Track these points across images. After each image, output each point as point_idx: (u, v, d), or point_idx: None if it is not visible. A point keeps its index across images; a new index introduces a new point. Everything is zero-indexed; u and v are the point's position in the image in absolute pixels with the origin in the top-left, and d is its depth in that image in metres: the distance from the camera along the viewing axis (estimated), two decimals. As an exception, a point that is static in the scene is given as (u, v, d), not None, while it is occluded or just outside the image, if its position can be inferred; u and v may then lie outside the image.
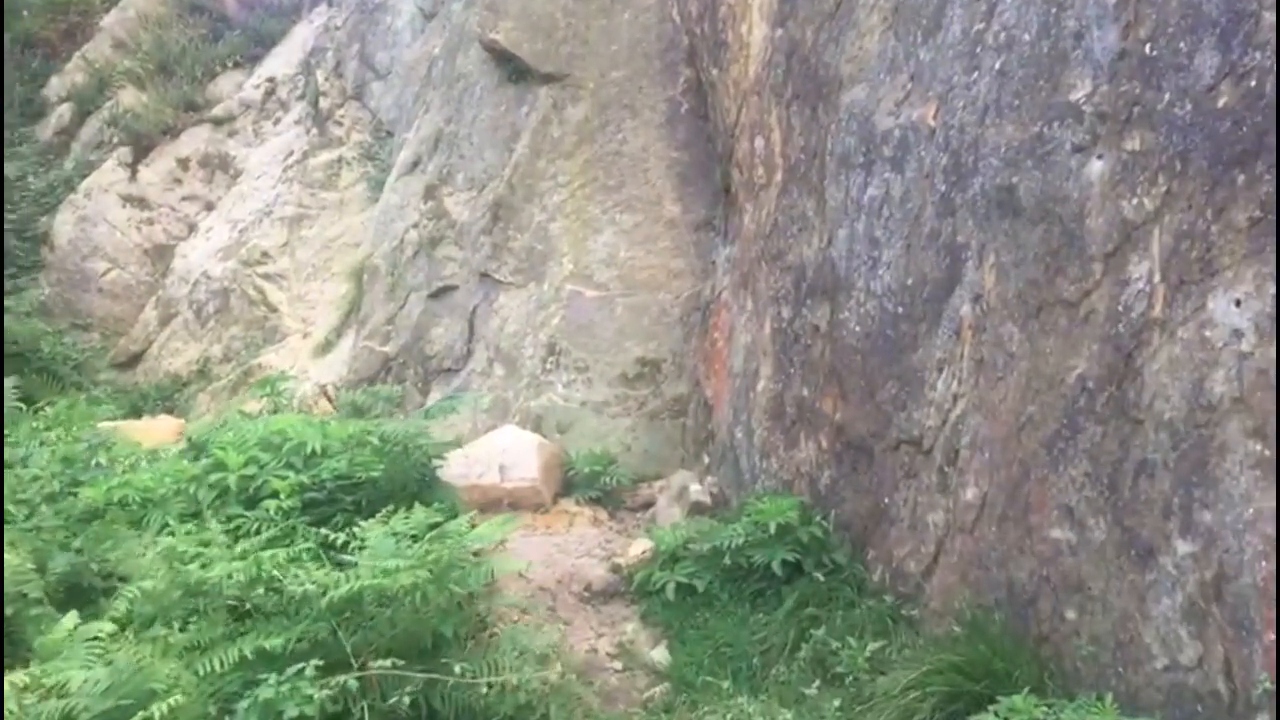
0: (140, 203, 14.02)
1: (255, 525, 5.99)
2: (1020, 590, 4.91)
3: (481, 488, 8.61)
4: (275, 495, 6.10)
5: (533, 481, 8.74)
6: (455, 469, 8.58)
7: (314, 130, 13.87)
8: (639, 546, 7.40)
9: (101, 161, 14.42)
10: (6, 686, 3.94)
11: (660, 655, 6.13)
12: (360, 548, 4.84)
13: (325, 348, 11.86)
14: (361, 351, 11.54)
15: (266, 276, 12.85)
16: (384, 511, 5.38)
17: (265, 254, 12.97)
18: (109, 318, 13.58)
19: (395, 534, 4.98)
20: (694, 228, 10.21)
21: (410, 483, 6.21)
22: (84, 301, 13.60)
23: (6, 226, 13.57)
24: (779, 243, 7.90)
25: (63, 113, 15.46)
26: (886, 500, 6.10)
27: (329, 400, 10.32)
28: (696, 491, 8.40)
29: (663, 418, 9.72)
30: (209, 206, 14.06)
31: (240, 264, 12.95)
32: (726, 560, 6.36)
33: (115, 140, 14.63)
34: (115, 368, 13.30)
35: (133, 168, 14.27)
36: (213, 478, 6.29)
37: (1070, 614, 4.63)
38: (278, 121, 14.39)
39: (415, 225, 11.65)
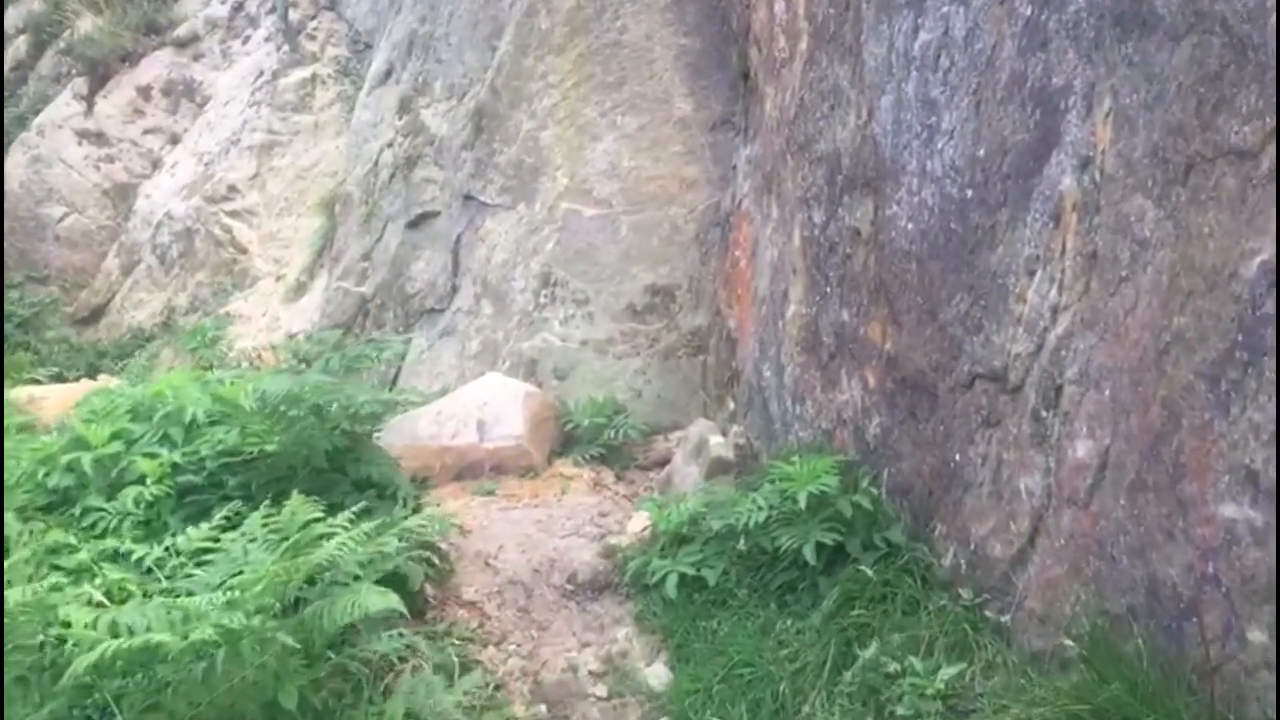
0: (98, 138, 12.52)
1: (115, 521, 4.52)
2: (1170, 595, 3.26)
3: (456, 450, 7.10)
4: (142, 480, 4.61)
5: (518, 440, 7.19)
6: (424, 429, 7.10)
7: (285, 47, 12.24)
8: (640, 521, 5.84)
9: (57, 95, 12.92)
10: None
11: (658, 675, 4.57)
12: (183, 567, 3.32)
13: (297, 291, 10.36)
14: (335, 293, 10.01)
15: (234, 214, 11.32)
16: (218, 514, 3.83)
17: (232, 188, 11.43)
18: (68, 268, 12.16)
19: (251, 540, 3.44)
20: (709, 127, 8.52)
21: (319, 455, 4.65)
22: (39, 251, 12.17)
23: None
24: (806, 128, 6.20)
25: (19, 45, 13.97)
26: (957, 457, 4.45)
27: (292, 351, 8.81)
28: (718, 445, 6.79)
29: (679, 356, 8.11)
30: (174, 139, 12.54)
31: (205, 201, 11.43)
32: (742, 544, 4.76)
33: (72, 72, 13.12)
34: (77, 324, 11.90)
35: (89, 100, 12.76)
36: (68, 458, 4.79)
37: (1256, 635, 2.99)
38: (247, 40, 12.78)
39: (390, 144, 10.05)
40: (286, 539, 3.44)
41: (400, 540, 4.55)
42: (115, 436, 4.89)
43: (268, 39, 12.62)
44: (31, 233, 12.24)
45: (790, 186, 6.49)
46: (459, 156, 9.38)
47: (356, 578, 4.16)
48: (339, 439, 4.79)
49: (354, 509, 3.79)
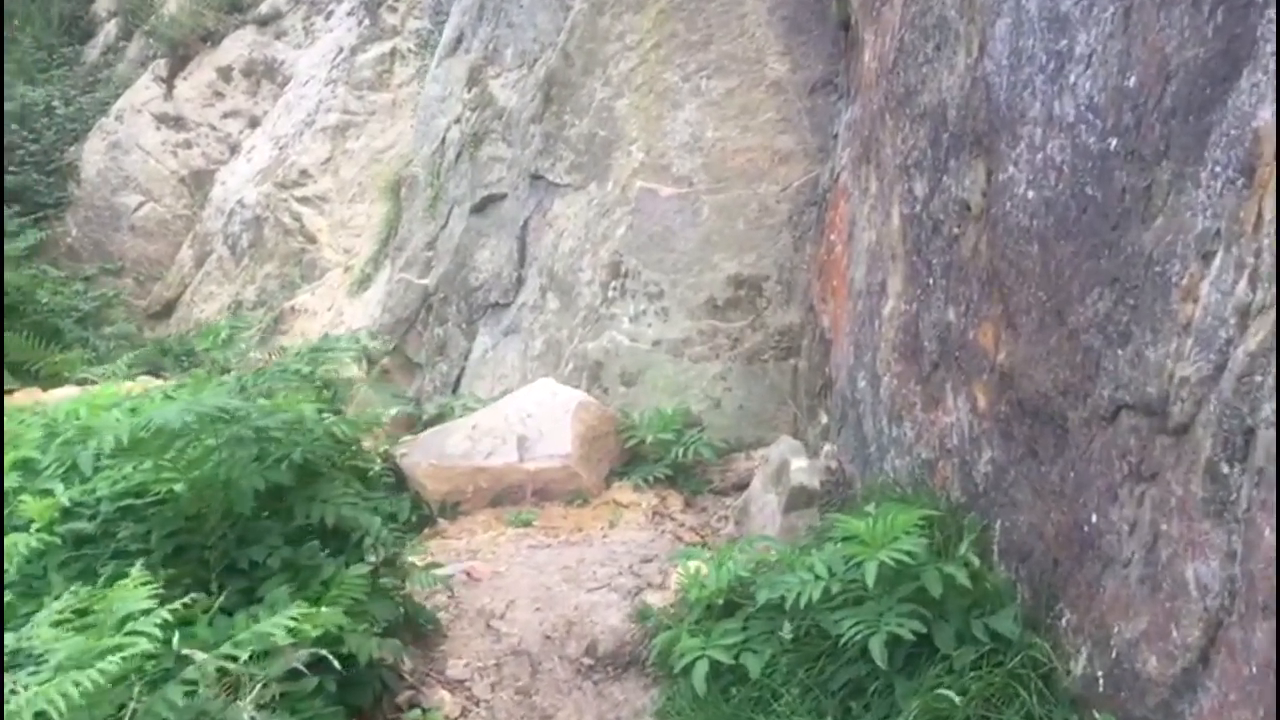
0: (177, 123, 11.89)
1: (-9, 576, 3.56)
2: None
3: (491, 472, 6.04)
4: (29, 525, 3.64)
5: (565, 460, 6.08)
6: (455, 446, 6.07)
7: (365, 20, 11.39)
8: (691, 570, 4.63)
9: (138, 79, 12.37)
10: None
11: (675, 802, 3.40)
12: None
13: (362, 283, 9.47)
14: (397, 286, 9.06)
15: (305, 200, 10.51)
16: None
17: (304, 173, 10.62)
18: (142, 259, 11.55)
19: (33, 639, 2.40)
20: (808, 90, 7.25)
21: (243, 498, 3.59)
22: (114, 242, 11.60)
23: (28, 159, 11.70)
24: (907, 77, 4.91)
25: (110, 29, 13.51)
26: (1094, 518, 3.15)
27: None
28: (799, 471, 5.54)
29: (765, 359, 6.88)
30: (253, 122, 11.82)
31: (275, 187, 10.65)
32: (787, 631, 3.52)
33: (154, 54, 12.55)
34: (150, 318, 11.29)
35: (169, 82, 12.15)
36: (-39, 492, 3.85)
37: None
38: (329, 16, 11.97)
39: (457, 120, 9.05)
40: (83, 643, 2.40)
41: (342, 607, 3.53)
42: (19, 465, 3.95)
43: (350, 13, 11.79)
44: (107, 222, 11.69)
45: (889, 152, 5.21)
46: (527, 131, 8.31)
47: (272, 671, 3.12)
48: (280, 474, 3.74)
49: (181, 595, 2.71)
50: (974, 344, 4.08)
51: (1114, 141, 3.00)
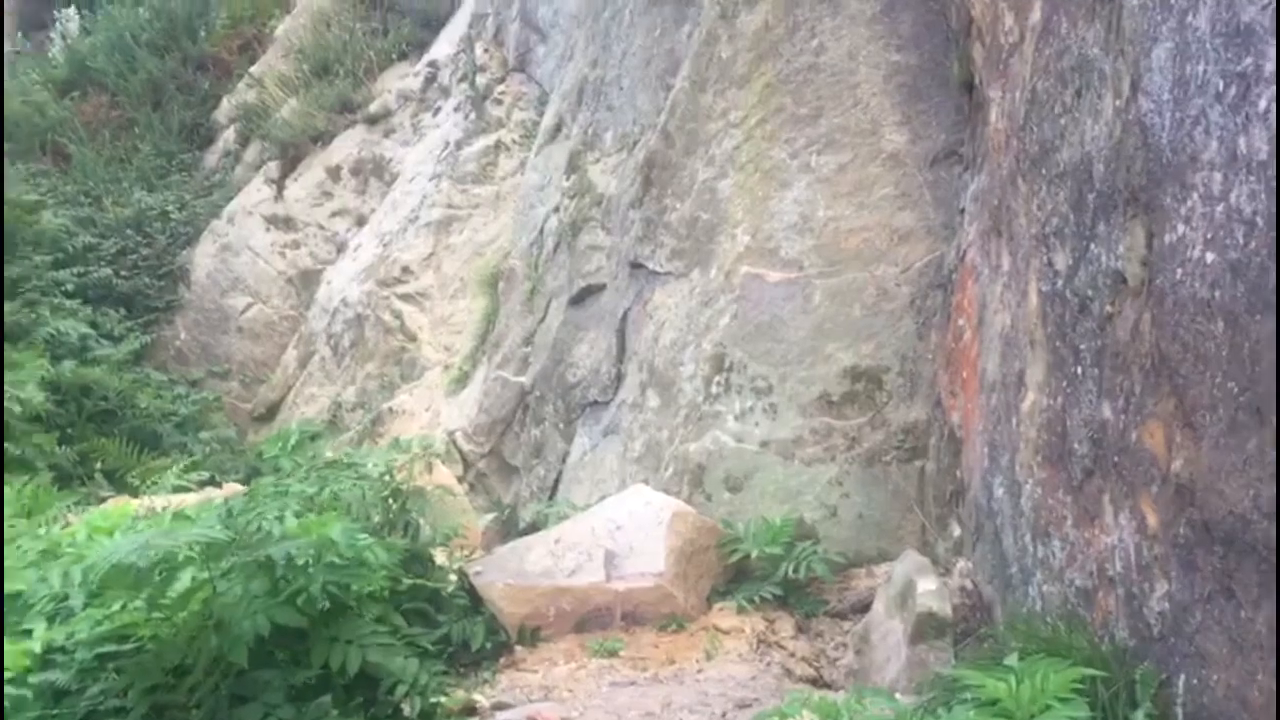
0: (286, 223, 11.77)
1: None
2: None
3: (575, 592, 5.36)
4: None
5: (658, 578, 5.37)
6: (535, 563, 5.44)
7: (471, 114, 11.14)
8: (795, 722, 3.85)
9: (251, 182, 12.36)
10: None
11: None
12: None
13: (459, 382, 9.00)
14: (493, 384, 8.55)
15: (406, 297, 10.16)
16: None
17: (406, 269, 10.29)
18: (249, 361, 11.37)
19: None
20: (929, 162, 6.56)
21: (238, 644, 2.99)
22: (221, 344, 11.46)
23: (141, 264, 11.71)
24: (1041, 131, 4.19)
25: (229, 135, 13.64)
26: (1323, 689, 2.32)
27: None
28: (927, 595, 4.75)
29: (887, 461, 6.09)
30: (360, 221, 11.62)
31: (378, 285, 10.35)
32: (906, 830, 2.73)
33: (268, 157, 12.55)
34: (255, 420, 11.04)
35: (279, 184, 12.10)
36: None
37: None
38: (437, 112, 11.78)
39: (556, 209, 8.59)
40: None
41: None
42: (8, 600, 3.45)
43: (456, 109, 11.57)
44: (215, 325, 11.57)
45: (1023, 222, 4.47)
46: (626, 217, 7.79)
47: None
48: (290, 614, 3.14)
49: None
50: (1138, 447, 3.29)
51: (1329, 180, 2.25)
